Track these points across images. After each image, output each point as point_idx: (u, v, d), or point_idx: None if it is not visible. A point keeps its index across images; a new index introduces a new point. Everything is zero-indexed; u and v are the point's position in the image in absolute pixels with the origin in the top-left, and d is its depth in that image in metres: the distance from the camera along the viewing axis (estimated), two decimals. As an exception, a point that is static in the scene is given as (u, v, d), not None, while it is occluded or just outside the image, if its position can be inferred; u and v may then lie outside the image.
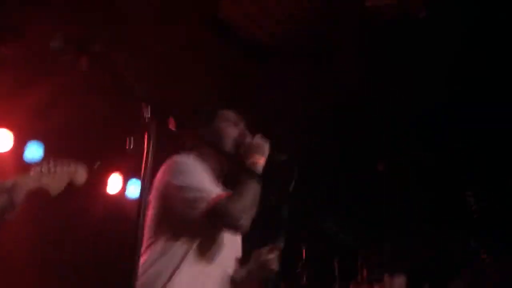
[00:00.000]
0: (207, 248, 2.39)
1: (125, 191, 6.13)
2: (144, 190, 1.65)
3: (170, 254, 2.34)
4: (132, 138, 1.65)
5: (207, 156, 2.56)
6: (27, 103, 4.87)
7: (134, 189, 6.13)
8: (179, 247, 2.35)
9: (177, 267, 2.31)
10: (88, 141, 5.07)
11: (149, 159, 1.66)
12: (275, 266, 2.46)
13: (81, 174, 2.37)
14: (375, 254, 4.19)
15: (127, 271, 1.57)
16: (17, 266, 5.30)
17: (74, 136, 5.16)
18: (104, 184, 5.98)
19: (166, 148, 2.13)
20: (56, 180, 2.28)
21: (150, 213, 2.41)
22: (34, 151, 5.31)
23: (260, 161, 2.45)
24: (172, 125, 1.68)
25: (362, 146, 5.79)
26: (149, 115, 1.66)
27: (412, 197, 5.69)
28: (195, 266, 2.35)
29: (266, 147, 2.50)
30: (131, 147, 1.63)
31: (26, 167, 2.33)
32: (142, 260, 2.28)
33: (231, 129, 2.62)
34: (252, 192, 2.34)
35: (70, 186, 2.34)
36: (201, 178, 2.40)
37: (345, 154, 5.98)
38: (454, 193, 5.44)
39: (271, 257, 2.46)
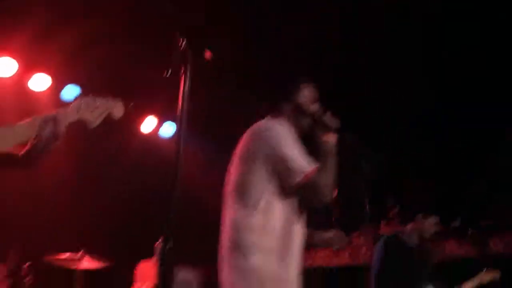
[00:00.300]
0: (297, 209, 2.56)
1: (159, 130, 6.37)
2: (182, 126, 1.60)
3: (271, 212, 2.47)
4: (169, 69, 1.60)
5: (288, 126, 2.64)
6: (62, 44, 4.82)
7: (168, 128, 6.38)
8: (279, 206, 2.49)
9: (277, 224, 2.47)
10: (124, 81, 5.04)
11: (186, 93, 1.60)
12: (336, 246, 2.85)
13: (119, 108, 2.38)
14: (406, 192, 4.15)
15: (164, 205, 1.52)
16: (56, 198, 5.47)
17: (109, 76, 5.14)
18: (139, 123, 6.18)
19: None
20: (94, 113, 2.30)
21: (240, 173, 2.52)
22: (71, 92, 5.44)
23: (334, 138, 2.59)
24: (208, 57, 1.63)
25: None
26: (185, 48, 1.61)
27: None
28: (290, 223, 2.52)
29: (337, 124, 2.61)
30: (168, 74, 1.58)
31: (64, 104, 2.36)
32: (234, 216, 2.48)
33: (310, 105, 2.70)
34: (334, 168, 2.50)
35: (108, 122, 2.33)
36: (298, 149, 2.53)
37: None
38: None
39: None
